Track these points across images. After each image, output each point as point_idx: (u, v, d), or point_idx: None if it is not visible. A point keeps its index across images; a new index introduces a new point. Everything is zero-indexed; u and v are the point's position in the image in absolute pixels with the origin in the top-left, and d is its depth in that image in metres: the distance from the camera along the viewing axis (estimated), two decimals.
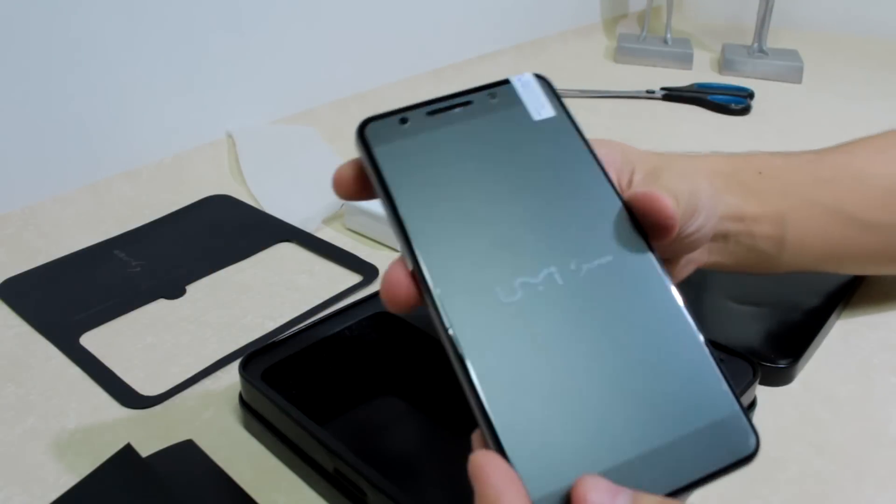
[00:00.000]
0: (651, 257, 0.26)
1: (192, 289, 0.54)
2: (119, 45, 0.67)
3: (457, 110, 0.28)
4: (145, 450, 0.39)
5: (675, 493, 0.22)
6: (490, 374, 0.23)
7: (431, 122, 0.28)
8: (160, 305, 0.52)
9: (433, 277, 0.25)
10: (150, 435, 0.40)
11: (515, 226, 0.26)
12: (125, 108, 0.69)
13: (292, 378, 0.40)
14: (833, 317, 0.48)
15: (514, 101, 0.29)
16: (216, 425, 0.41)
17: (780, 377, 0.43)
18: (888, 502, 0.35)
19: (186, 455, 0.39)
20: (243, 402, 0.40)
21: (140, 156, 0.71)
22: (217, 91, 0.76)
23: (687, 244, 0.33)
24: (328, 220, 0.64)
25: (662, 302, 0.26)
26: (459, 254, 0.26)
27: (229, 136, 0.77)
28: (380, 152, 0.27)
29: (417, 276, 0.25)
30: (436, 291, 0.25)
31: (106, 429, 0.41)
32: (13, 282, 0.55)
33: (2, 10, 0.58)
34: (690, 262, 0.37)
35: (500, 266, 0.25)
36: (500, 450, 0.22)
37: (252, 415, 0.39)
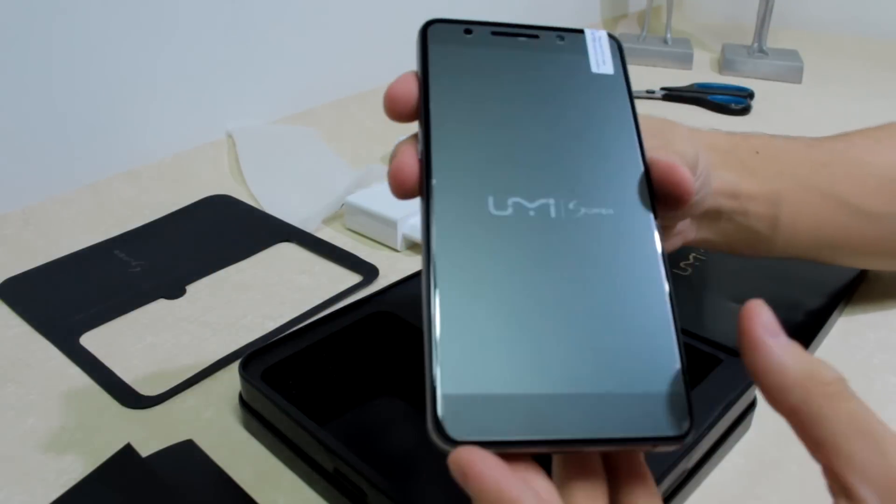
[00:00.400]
0: (651, 224, 0.26)
1: (192, 289, 0.54)
2: (119, 45, 0.67)
3: (521, 39, 0.29)
4: (145, 450, 0.39)
5: (589, 443, 0.22)
6: (452, 277, 0.24)
7: (493, 41, 0.29)
8: (160, 305, 0.52)
9: (436, 168, 0.25)
10: (150, 435, 0.40)
11: (532, 152, 0.26)
12: (125, 108, 0.69)
13: (292, 378, 0.40)
14: (833, 316, 0.48)
15: (580, 49, 0.30)
16: (216, 425, 0.41)
17: None
18: None
19: (186, 455, 0.39)
20: (243, 402, 0.40)
21: (140, 156, 0.71)
22: (217, 91, 0.76)
23: (679, 213, 0.32)
24: (328, 220, 0.64)
25: (646, 269, 0.25)
26: (469, 157, 0.26)
27: (229, 136, 0.77)
28: (433, 50, 0.28)
29: (423, 164, 0.26)
30: (433, 182, 0.25)
31: (106, 429, 0.41)
32: (13, 282, 0.55)
33: (2, 10, 0.58)
34: (679, 235, 0.37)
35: (501, 180, 0.26)
36: (432, 345, 0.23)
37: (252, 415, 0.39)
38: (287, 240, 0.61)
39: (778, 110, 0.91)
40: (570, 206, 0.26)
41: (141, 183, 0.69)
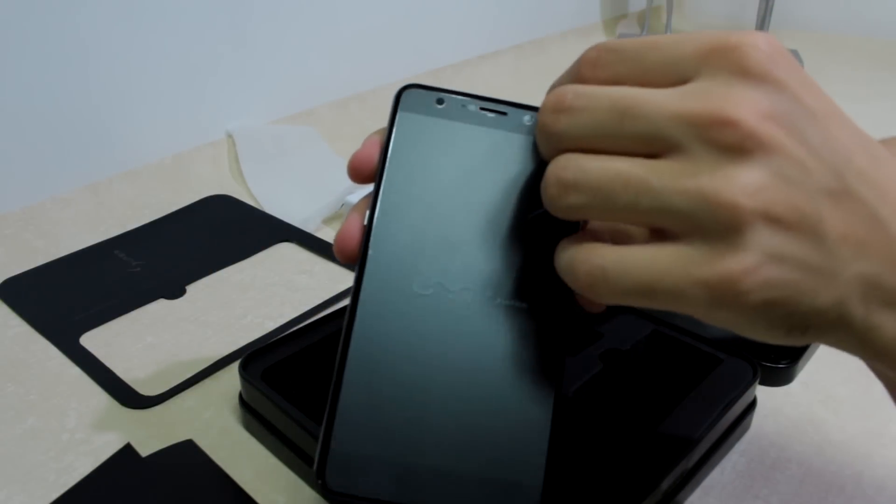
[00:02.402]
0: (560, 324, 0.27)
1: (192, 289, 0.54)
2: (119, 44, 0.67)
3: (490, 115, 0.29)
4: (145, 450, 0.39)
5: None
6: (364, 343, 0.26)
7: (462, 115, 0.29)
8: (160, 305, 0.52)
9: (374, 240, 0.27)
10: (150, 435, 0.40)
11: (469, 238, 0.28)
12: (125, 108, 0.69)
13: (292, 378, 0.40)
14: None
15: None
16: (216, 425, 0.41)
17: (780, 377, 0.43)
18: (888, 502, 0.35)
19: (186, 455, 0.39)
20: (243, 402, 0.40)
21: (140, 156, 0.71)
22: (217, 91, 0.76)
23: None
24: (328, 220, 0.64)
25: (541, 366, 0.27)
26: (407, 233, 0.27)
27: (229, 136, 0.77)
28: (401, 118, 0.29)
29: (365, 233, 0.28)
30: (369, 253, 0.27)
31: (106, 429, 0.41)
32: (13, 282, 0.55)
33: (2, 10, 0.58)
34: None
35: (431, 261, 0.27)
36: (336, 397, 0.26)
37: (252, 415, 0.39)
38: (287, 240, 0.61)
39: None
40: (489, 294, 0.27)
41: (141, 183, 0.69)
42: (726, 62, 0.22)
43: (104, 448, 0.39)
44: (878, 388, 0.40)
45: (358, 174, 0.29)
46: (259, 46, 0.78)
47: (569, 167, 0.24)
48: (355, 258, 0.28)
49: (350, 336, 0.26)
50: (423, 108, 0.29)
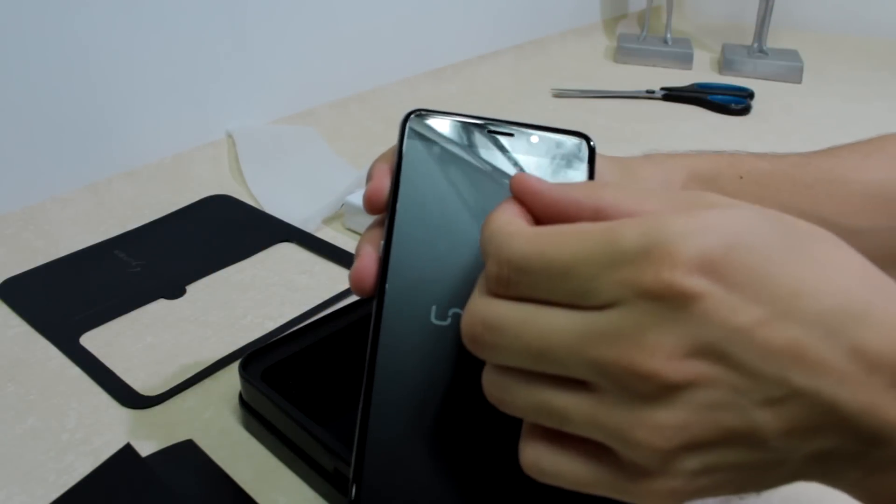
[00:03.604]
0: None
1: (192, 289, 0.54)
2: (119, 44, 0.67)
3: (498, 137, 0.30)
4: (145, 450, 0.39)
5: None
6: (389, 382, 0.26)
7: (469, 138, 0.30)
8: (160, 305, 0.52)
9: (391, 273, 0.27)
10: (150, 435, 0.40)
11: (480, 265, 0.27)
12: (125, 108, 0.69)
13: (292, 378, 0.40)
14: None
15: (551, 153, 0.30)
16: (216, 425, 0.41)
17: None
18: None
19: (186, 455, 0.39)
20: (243, 402, 0.40)
21: (140, 156, 0.71)
22: (217, 91, 0.76)
23: None
24: (328, 220, 0.64)
25: None
26: (423, 265, 0.27)
27: (229, 136, 0.77)
28: (409, 145, 0.29)
29: (381, 266, 0.28)
30: (386, 286, 0.27)
31: (106, 429, 0.41)
32: (13, 282, 0.55)
33: (2, 10, 0.58)
34: None
35: (447, 291, 0.27)
36: (364, 434, 0.25)
37: (252, 415, 0.39)
38: (287, 240, 0.61)
39: (778, 110, 0.91)
40: None
41: (141, 183, 0.69)
42: (644, 300, 0.20)
43: (104, 448, 0.39)
44: None
45: (374, 207, 0.29)
46: (259, 46, 0.78)
47: (495, 387, 0.24)
48: (368, 291, 0.28)
49: (374, 372, 0.26)
50: (430, 133, 0.29)
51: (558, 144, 0.30)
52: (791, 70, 1.02)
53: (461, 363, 0.26)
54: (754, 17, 1.07)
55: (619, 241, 0.21)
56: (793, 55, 1.05)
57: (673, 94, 0.94)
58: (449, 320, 0.27)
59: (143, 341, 0.48)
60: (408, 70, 0.94)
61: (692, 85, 0.97)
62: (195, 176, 0.72)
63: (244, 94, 0.79)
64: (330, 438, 0.34)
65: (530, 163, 0.29)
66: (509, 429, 0.25)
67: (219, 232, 0.62)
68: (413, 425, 0.25)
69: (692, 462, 0.21)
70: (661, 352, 0.20)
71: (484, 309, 0.23)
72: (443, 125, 0.30)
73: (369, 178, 0.30)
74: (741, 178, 0.40)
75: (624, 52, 1.10)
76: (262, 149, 0.75)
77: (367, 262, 0.28)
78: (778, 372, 0.20)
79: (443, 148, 0.29)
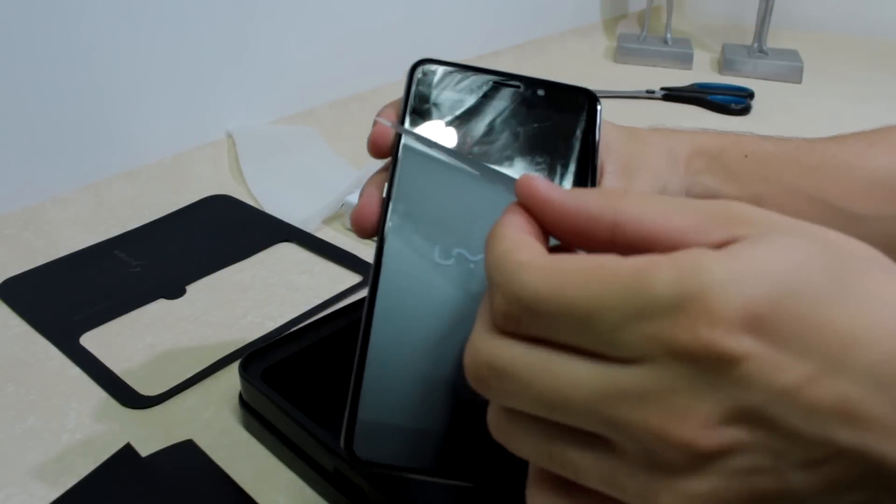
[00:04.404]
0: None
1: (192, 289, 0.54)
2: (119, 44, 0.67)
3: (504, 87, 0.30)
4: (145, 450, 0.39)
5: (458, 479, 0.25)
6: (389, 314, 0.26)
7: (475, 87, 0.30)
8: (160, 305, 0.52)
9: (393, 213, 0.27)
10: (150, 435, 0.40)
11: (487, 207, 0.28)
12: (125, 107, 0.69)
13: (292, 378, 0.40)
14: None
15: (556, 106, 0.31)
16: (216, 425, 0.41)
17: None
18: None
19: (186, 455, 0.39)
20: (243, 402, 0.40)
21: (140, 156, 0.71)
22: (217, 91, 0.76)
23: None
24: (328, 220, 0.64)
25: None
26: (427, 203, 0.28)
27: (229, 136, 0.77)
28: (417, 91, 0.30)
29: (384, 207, 0.28)
30: (389, 224, 0.27)
31: (106, 429, 0.41)
32: (13, 282, 0.55)
33: (2, 10, 0.58)
34: None
35: (451, 231, 0.27)
36: (362, 367, 0.25)
37: (252, 415, 0.39)
38: (287, 240, 0.61)
39: (778, 110, 0.91)
40: None
41: (141, 183, 0.69)
42: (676, 362, 0.18)
43: (104, 448, 0.39)
44: None
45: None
46: (259, 46, 0.78)
47: (501, 430, 0.21)
48: (373, 233, 0.28)
49: (373, 306, 0.26)
50: (437, 81, 0.29)
51: (564, 98, 0.30)
52: (791, 70, 1.02)
53: (463, 302, 0.26)
54: (754, 17, 1.07)
55: (650, 287, 0.18)
56: (793, 55, 1.05)
57: (673, 94, 0.94)
58: (452, 260, 0.27)
59: (143, 341, 0.48)
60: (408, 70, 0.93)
61: (692, 85, 0.97)
62: (195, 176, 0.72)
63: (244, 94, 0.79)
64: (330, 438, 0.34)
65: (537, 115, 0.29)
66: None
67: (219, 232, 0.62)
68: (412, 364, 0.25)
69: None
70: (695, 419, 0.18)
71: (489, 351, 0.20)
72: (450, 76, 0.30)
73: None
74: (746, 156, 0.40)
75: (624, 52, 1.10)
76: (262, 149, 0.75)
77: (369, 201, 0.28)
78: (823, 432, 0.18)
79: (449, 99, 0.29)
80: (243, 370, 0.39)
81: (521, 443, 0.21)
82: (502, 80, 0.30)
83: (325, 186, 0.67)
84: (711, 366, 0.17)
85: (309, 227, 0.62)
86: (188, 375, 0.45)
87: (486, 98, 0.30)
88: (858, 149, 0.43)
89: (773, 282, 0.18)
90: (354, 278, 0.55)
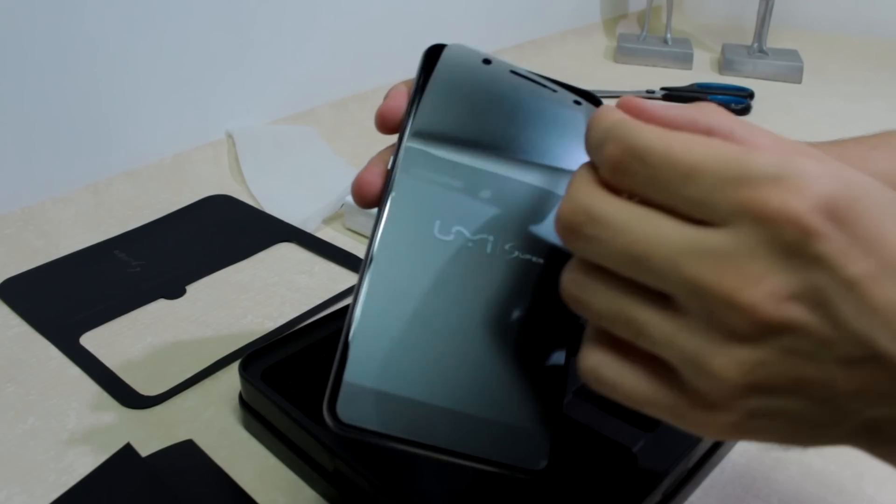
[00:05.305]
0: None
1: (192, 289, 0.54)
2: (119, 45, 0.67)
3: (525, 81, 0.30)
4: (145, 450, 0.39)
5: (454, 455, 0.25)
6: (383, 282, 0.26)
7: (496, 77, 0.30)
8: (160, 305, 0.52)
9: (397, 185, 0.27)
10: (150, 435, 0.40)
11: (490, 190, 0.28)
12: (125, 108, 0.69)
13: (292, 378, 0.40)
14: None
15: (570, 106, 0.31)
16: (216, 425, 0.41)
17: None
18: (888, 502, 0.35)
19: (186, 455, 0.39)
20: (243, 402, 0.40)
21: (140, 156, 0.71)
22: (217, 91, 0.76)
23: None
24: (328, 220, 0.64)
25: (554, 319, 0.27)
26: (431, 179, 0.28)
27: (229, 136, 0.77)
28: (441, 68, 0.30)
29: (387, 179, 0.28)
30: (392, 195, 0.27)
31: (106, 429, 0.41)
32: (13, 282, 0.55)
33: (2, 10, 0.58)
34: None
35: (453, 208, 0.27)
36: (350, 330, 0.25)
37: (252, 415, 0.39)
38: (287, 240, 0.61)
39: (778, 110, 0.91)
40: (507, 246, 0.27)
41: (141, 183, 0.69)
42: (760, 229, 0.19)
43: (104, 448, 0.39)
44: None
45: (385, 125, 0.29)
46: (259, 46, 0.78)
47: (575, 284, 0.23)
48: (372, 202, 0.28)
49: (367, 271, 0.26)
50: (452, 67, 0.30)
51: (573, 101, 0.31)
52: (791, 70, 1.02)
53: (459, 278, 0.27)
54: (754, 17, 1.07)
55: (751, 161, 0.20)
56: (793, 55, 1.05)
57: (673, 94, 0.94)
58: (451, 237, 0.27)
59: (143, 341, 0.48)
60: (408, 70, 0.93)
61: (692, 85, 0.97)
62: (195, 176, 0.72)
63: (244, 94, 0.79)
64: (330, 438, 0.34)
65: (545, 108, 0.30)
66: (499, 344, 0.26)
67: (219, 232, 0.62)
68: (402, 332, 0.26)
69: (757, 402, 0.20)
70: (766, 288, 0.19)
71: (590, 199, 0.22)
72: (466, 61, 0.30)
73: (386, 97, 0.30)
74: None
75: (624, 52, 1.10)
76: (262, 149, 0.75)
77: (372, 171, 0.28)
78: (868, 332, 0.19)
79: (464, 82, 0.29)
80: (243, 370, 0.39)
81: (591, 297, 0.22)
82: (517, 70, 0.30)
83: (325, 186, 0.67)
84: (793, 237, 0.19)
85: (309, 227, 0.62)
86: (188, 375, 0.45)
87: (499, 83, 0.30)
88: (859, 153, 0.43)
89: (855, 186, 0.20)
90: (354, 278, 0.55)
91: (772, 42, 1.08)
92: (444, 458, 0.25)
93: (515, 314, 0.27)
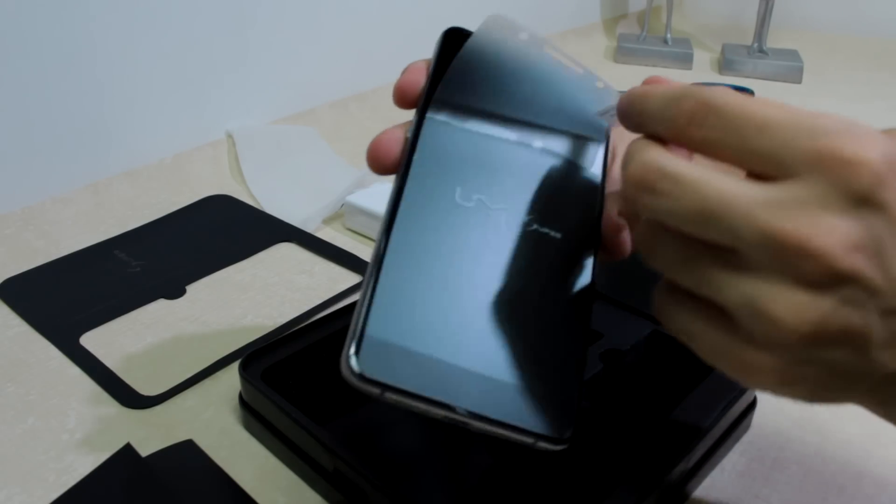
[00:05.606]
0: (588, 262, 0.28)
1: (192, 289, 0.54)
2: (119, 44, 0.67)
3: (547, 57, 0.31)
4: (145, 450, 0.39)
5: (478, 418, 0.24)
6: (405, 242, 0.26)
7: (531, 51, 0.30)
8: (160, 305, 0.52)
9: (420, 148, 0.27)
10: (150, 435, 0.40)
11: (511, 162, 0.28)
12: (125, 108, 0.69)
13: (292, 378, 0.40)
14: None
15: (591, 88, 0.31)
16: (216, 425, 0.41)
17: None
18: (888, 502, 0.35)
19: (186, 455, 0.39)
20: (243, 402, 0.40)
21: (140, 156, 0.71)
22: (217, 91, 0.76)
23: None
24: (328, 220, 0.64)
25: (571, 292, 0.27)
26: (452, 148, 0.28)
27: (229, 136, 0.77)
28: (475, 40, 0.30)
29: (409, 144, 0.28)
30: (414, 157, 0.27)
31: (106, 429, 0.41)
32: (13, 282, 0.55)
33: (2, 10, 0.58)
34: None
35: (477, 177, 0.28)
36: (374, 284, 0.24)
37: (252, 415, 0.39)
38: (287, 240, 0.61)
39: None
40: (526, 218, 0.28)
41: (141, 183, 0.69)
42: (832, 176, 0.20)
43: (104, 448, 0.39)
44: None
45: (404, 98, 0.29)
46: (259, 46, 0.78)
47: (648, 235, 0.24)
48: (387, 167, 0.28)
49: (391, 229, 0.26)
50: (502, 29, 0.30)
51: (596, 83, 0.31)
52: (791, 70, 1.02)
53: (480, 244, 0.27)
54: (754, 17, 1.07)
55: (821, 119, 0.21)
56: (793, 55, 1.05)
57: None
58: (472, 203, 0.27)
59: (143, 341, 0.48)
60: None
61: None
62: (195, 176, 0.72)
63: (244, 94, 0.79)
64: (330, 438, 0.34)
65: (569, 87, 0.30)
66: (519, 320, 0.26)
67: (219, 232, 0.62)
68: (425, 290, 0.25)
69: (806, 351, 0.21)
70: (837, 236, 0.20)
71: (662, 159, 0.23)
72: (497, 34, 0.30)
73: (404, 72, 0.30)
74: None
75: (624, 52, 1.10)
76: (262, 149, 0.75)
77: (392, 135, 0.28)
78: None
79: (490, 55, 0.30)
80: (243, 370, 0.39)
81: (663, 250, 0.24)
82: (547, 50, 0.30)
83: (325, 186, 0.67)
84: (864, 183, 0.20)
85: (309, 227, 0.62)
86: (188, 375, 0.45)
87: (525, 63, 0.30)
88: None
89: None
90: (354, 278, 0.55)
91: (772, 42, 1.08)
92: (468, 422, 0.24)
93: (535, 286, 0.27)
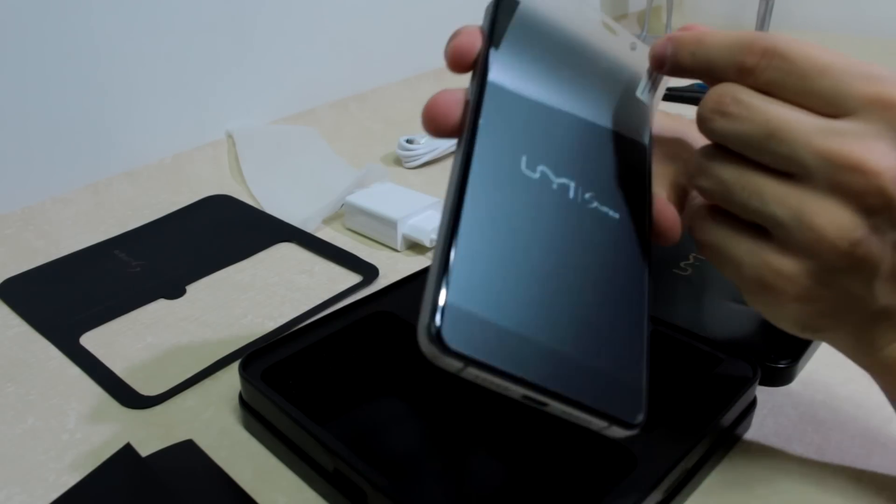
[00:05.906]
0: (645, 244, 0.28)
1: (192, 289, 0.54)
2: (119, 44, 0.67)
3: (607, 32, 0.31)
4: (145, 450, 0.39)
5: (557, 397, 0.23)
6: (476, 209, 0.24)
7: (579, 17, 0.31)
8: (160, 305, 0.52)
9: (485, 114, 0.26)
10: (150, 435, 0.40)
11: (572, 135, 0.28)
12: (125, 107, 0.69)
13: (292, 378, 0.40)
14: None
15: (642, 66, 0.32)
16: (216, 425, 0.41)
17: (780, 377, 0.43)
18: (888, 502, 0.35)
19: (186, 455, 0.39)
20: (243, 402, 0.40)
21: (140, 156, 0.71)
22: (217, 91, 0.76)
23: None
24: (328, 220, 0.64)
25: (632, 276, 0.27)
26: (516, 115, 0.27)
27: (229, 136, 0.77)
28: (524, 7, 0.30)
29: (472, 108, 0.27)
30: (480, 121, 0.26)
31: (106, 429, 0.41)
32: (13, 282, 0.55)
33: (2, 10, 0.58)
34: None
35: (539, 147, 0.27)
36: (448, 251, 0.23)
37: (252, 415, 0.39)
38: (287, 240, 0.61)
39: None
40: (587, 196, 0.27)
41: (141, 183, 0.69)
42: (887, 115, 0.24)
43: (104, 448, 0.39)
44: (878, 388, 0.40)
45: (460, 61, 0.28)
46: (259, 46, 0.78)
47: (706, 165, 0.27)
48: (446, 130, 0.27)
49: (463, 195, 0.24)
50: (528, 10, 0.30)
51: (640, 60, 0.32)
52: None
53: (547, 219, 0.26)
54: (754, 17, 1.07)
55: (876, 67, 0.25)
56: None
57: (673, 95, 0.94)
58: (537, 175, 0.26)
59: (143, 341, 0.48)
60: (408, 70, 0.93)
61: (692, 85, 0.96)
62: (195, 176, 0.72)
63: (244, 94, 0.79)
64: (330, 438, 0.34)
65: (616, 61, 0.31)
66: (589, 299, 0.25)
67: (219, 232, 0.62)
68: (500, 261, 0.24)
69: (829, 274, 0.25)
70: (889, 161, 0.23)
71: (735, 88, 0.26)
72: (534, 13, 0.30)
73: (457, 35, 0.29)
74: None
75: None
76: (262, 149, 0.75)
77: (451, 98, 0.27)
78: None
79: (550, 24, 0.30)
80: (243, 370, 0.39)
81: (718, 171, 0.27)
82: (607, 23, 0.31)
83: (325, 186, 0.67)
84: None
85: (309, 227, 0.62)
86: (188, 375, 0.45)
87: (585, 35, 0.30)
88: None
89: None
90: (354, 278, 0.55)
91: None
92: (547, 402, 0.23)
93: (603, 267, 0.26)
